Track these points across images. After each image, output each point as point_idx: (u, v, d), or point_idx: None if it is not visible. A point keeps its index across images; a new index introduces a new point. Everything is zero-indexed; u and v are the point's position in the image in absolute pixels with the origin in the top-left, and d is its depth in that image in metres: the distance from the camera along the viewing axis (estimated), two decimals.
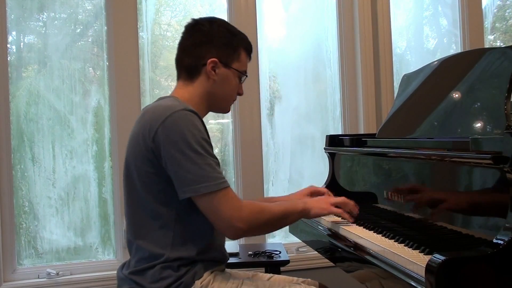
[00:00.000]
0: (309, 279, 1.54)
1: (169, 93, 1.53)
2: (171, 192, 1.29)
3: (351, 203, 1.54)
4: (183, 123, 1.27)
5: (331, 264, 1.66)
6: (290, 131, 2.85)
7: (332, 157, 1.99)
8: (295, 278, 1.55)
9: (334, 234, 1.56)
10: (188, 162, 1.24)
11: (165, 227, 1.32)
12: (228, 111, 1.58)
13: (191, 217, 1.32)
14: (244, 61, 1.50)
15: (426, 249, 1.18)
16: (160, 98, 1.45)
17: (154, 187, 1.31)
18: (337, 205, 1.52)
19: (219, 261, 1.43)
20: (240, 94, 1.54)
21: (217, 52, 1.43)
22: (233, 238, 1.35)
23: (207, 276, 1.34)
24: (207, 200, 1.25)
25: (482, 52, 1.49)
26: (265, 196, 2.72)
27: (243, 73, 1.50)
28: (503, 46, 2.96)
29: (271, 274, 1.60)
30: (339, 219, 1.62)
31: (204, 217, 1.30)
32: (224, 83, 1.46)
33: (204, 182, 1.24)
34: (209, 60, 1.42)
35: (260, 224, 1.33)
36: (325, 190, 1.71)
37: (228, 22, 1.54)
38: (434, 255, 0.96)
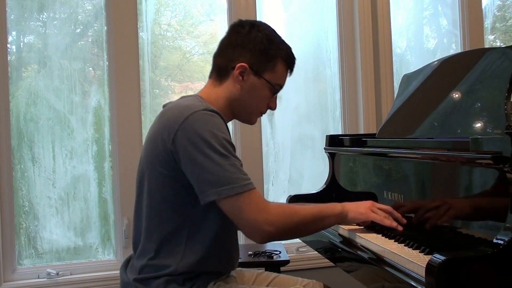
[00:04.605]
0: (313, 281, 1.52)
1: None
2: (185, 198, 1.25)
3: (397, 216, 1.39)
4: (204, 123, 1.21)
5: (332, 264, 1.66)
6: (290, 131, 2.85)
7: (332, 157, 2.00)
8: (299, 280, 1.52)
9: (334, 234, 1.56)
10: (211, 164, 1.18)
11: (176, 234, 1.28)
12: (253, 123, 1.49)
13: (204, 226, 1.28)
14: (281, 73, 1.41)
15: (426, 249, 1.18)
16: (183, 97, 1.39)
17: (169, 191, 1.27)
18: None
19: (228, 271, 1.40)
20: (271, 108, 1.46)
21: (250, 58, 1.36)
22: (261, 242, 1.25)
23: None
24: (231, 202, 1.18)
25: (482, 52, 1.49)
26: (269, 199, 2.72)
27: (276, 86, 1.41)
28: (503, 46, 2.96)
29: (276, 274, 1.58)
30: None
31: (214, 227, 1.27)
32: (251, 92, 1.38)
33: (228, 184, 1.17)
34: (238, 65, 1.35)
35: (290, 227, 1.25)
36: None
37: (274, 30, 1.43)
38: (434, 255, 0.96)
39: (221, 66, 1.40)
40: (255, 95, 1.39)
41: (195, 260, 1.28)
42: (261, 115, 1.48)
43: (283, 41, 1.43)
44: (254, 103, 1.41)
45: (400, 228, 1.36)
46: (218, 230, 1.29)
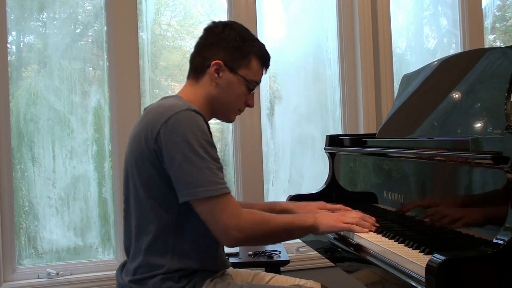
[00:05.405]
0: (311, 281, 1.53)
1: (169, 93, 1.52)
2: (172, 196, 1.26)
3: (368, 222, 1.44)
4: (186, 123, 1.23)
5: (331, 264, 1.66)
6: (290, 131, 2.85)
7: (332, 157, 1.99)
8: (297, 279, 1.53)
9: (334, 234, 1.56)
10: (189, 165, 1.21)
11: (164, 232, 1.29)
12: (232, 121, 1.52)
13: (190, 223, 1.29)
14: (256, 69, 1.43)
15: (426, 249, 1.18)
16: (164, 98, 1.41)
17: (155, 189, 1.28)
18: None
19: (219, 269, 1.41)
20: (249, 105, 1.48)
21: (224, 55, 1.39)
22: (229, 246, 1.30)
23: (207, 285, 1.32)
24: (205, 204, 1.22)
25: (482, 52, 1.49)
26: (269, 199, 2.73)
27: (251, 82, 1.43)
28: (503, 46, 2.96)
29: (273, 274, 1.58)
30: None
31: (200, 225, 1.27)
32: (227, 89, 1.40)
33: (203, 186, 1.20)
34: (213, 62, 1.38)
35: (258, 235, 1.29)
36: (339, 206, 1.59)
37: (247, 29, 1.47)
38: (434, 255, 0.96)
39: (197, 66, 1.43)
40: (231, 91, 1.41)
41: (185, 258, 1.29)
42: (239, 113, 1.49)
43: (256, 39, 1.46)
44: (231, 100, 1.43)
45: (366, 231, 1.41)
46: (205, 229, 1.29)
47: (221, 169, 1.27)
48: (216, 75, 1.39)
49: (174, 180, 1.24)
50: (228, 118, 1.50)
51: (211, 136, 1.30)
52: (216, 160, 1.26)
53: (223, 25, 1.44)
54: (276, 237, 1.37)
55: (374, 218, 1.47)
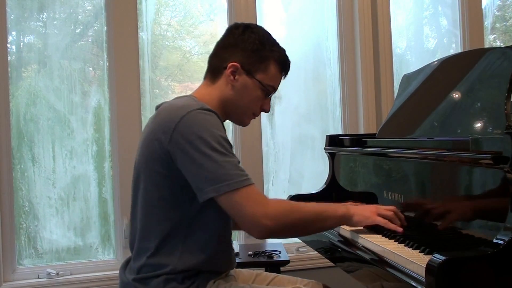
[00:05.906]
0: (313, 281, 1.52)
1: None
2: (182, 197, 1.25)
3: (401, 217, 1.38)
4: (200, 122, 1.22)
5: (331, 264, 1.66)
6: (290, 131, 2.85)
7: (332, 157, 1.99)
8: (299, 279, 1.52)
9: (334, 234, 1.56)
10: (208, 161, 1.18)
11: (171, 233, 1.29)
12: (246, 125, 1.49)
13: (198, 225, 1.29)
14: (273, 74, 1.42)
15: (426, 249, 1.18)
16: (177, 98, 1.40)
17: (165, 190, 1.27)
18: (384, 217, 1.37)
19: (225, 270, 1.40)
20: (265, 110, 1.46)
21: (242, 57, 1.38)
22: (260, 236, 1.24)
23: (210, 287, 1.31)
24: (230, 198, 1.18)
25: (482, 52, 1.49)
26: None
27: (268, 87, 1.41)
28: (503, 46, 2.96)
29: (276, 274, 1.58)
30: None
31: (211, 226, 1.27)
32: (243, 92, 1.39)
33: (226, 180, 1.18)
34: (230, 64, 1.37)
35: (289, 223, 1.24)
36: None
37: (269, 33, 1.45)
38: (434, 255, 0.96)
39: (215, 67, 1.42)
40: (246, 95, 1.40)
41: (193, 259, 1.29)
42: (254, 117, 1.48)
43: (277, 44, 1.44)
44: (246, 103, 1.41)
45: (400, 230, 1.34)
46: (215, 229, 1.29)
47: (239, 163, 1.24)
48: (232, 77, 1.38)
49: (193, 179, 1.21)
50: (242, 122, 1.48)
51: (226, 134, 1.28)
52: (234, 154, 1.24)
53: (244, 27, 1.42)
54: (307, 226, 1.31)
55: (403, 216, 1.40)
